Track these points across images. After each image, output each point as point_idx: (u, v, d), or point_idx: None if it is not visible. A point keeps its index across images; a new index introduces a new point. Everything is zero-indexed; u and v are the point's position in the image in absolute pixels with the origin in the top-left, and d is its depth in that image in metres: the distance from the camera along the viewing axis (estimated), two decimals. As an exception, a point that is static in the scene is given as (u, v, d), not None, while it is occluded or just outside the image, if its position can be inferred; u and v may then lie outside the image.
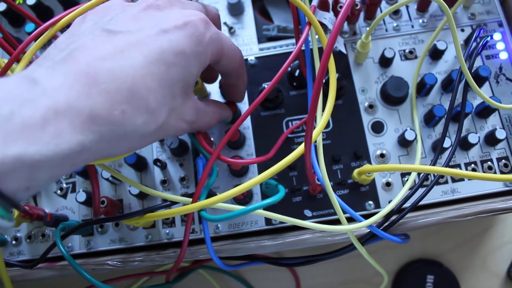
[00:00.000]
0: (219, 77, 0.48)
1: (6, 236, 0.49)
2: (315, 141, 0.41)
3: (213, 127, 0.40)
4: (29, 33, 0.53)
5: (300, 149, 0.36)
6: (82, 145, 0.25)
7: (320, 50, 0.47)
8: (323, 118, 0.37)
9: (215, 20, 0.39)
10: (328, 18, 0.45)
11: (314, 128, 0.36)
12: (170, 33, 0.30)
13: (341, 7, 0.47)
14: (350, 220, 0.42)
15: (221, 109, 0.42)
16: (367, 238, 0.42)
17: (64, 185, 0.50)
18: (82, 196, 0.46)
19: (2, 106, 0.23)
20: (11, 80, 0.26)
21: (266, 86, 0.49)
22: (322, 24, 0.43)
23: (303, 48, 0.42)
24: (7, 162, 0.22)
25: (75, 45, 0.29)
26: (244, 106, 0.50)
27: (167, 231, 0.47)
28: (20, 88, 0.25)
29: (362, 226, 0.39)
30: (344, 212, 0.41)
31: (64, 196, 0.50)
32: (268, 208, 0.45)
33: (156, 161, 0.48)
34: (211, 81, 0.47)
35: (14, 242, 0.49)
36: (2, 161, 0.22)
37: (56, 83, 0.26)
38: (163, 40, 0.30)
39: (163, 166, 0.49)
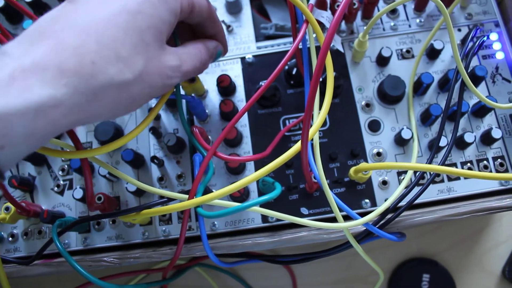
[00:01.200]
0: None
1: (2, 233, 0.49)
2: (312, 139, 0.41)
3: (206, 67, 0.39)
4: (27, 30, 0.53)
5: (296, 146, 0.36)
6: (54, 98, 0.26)
7: (318, 48, 0.47)
8: (320, 116, 0.37)
9: None
10: (325, 16, 0.45)
11: (311, 126, 0.36)
12: None
13: (338, 5, 0.47)
14: (347, 218, 0.42)
15: (204, 43, 0.39)
16: (363, 236, 0.42)
17: (61, 182, 0.50)
18: (79, 193, 0.46)
19: None
20: None
21: (263, 84, 0.49)
22: (320, 23, 0.43)
23: (300, 46, 0.43)
24: None
25: (41, 19, 0.30)
26: (241, 104, 0.50)
27: (164, 228, 0.47)
28: None
29: (358, 224, 0.39)
30: (341, 210, 0.41)
31: (61, 193, 0.50)
32: (264, 205, 0.45)
33: (153, 158, 0.48)
34: None
35: (10, 238, 0.49)
36: None
37: (23, 49, 0.27)
38: None
39: (160, 164, 0.49)
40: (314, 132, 0.37)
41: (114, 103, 0.30)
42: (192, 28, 0.40)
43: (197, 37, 0.40)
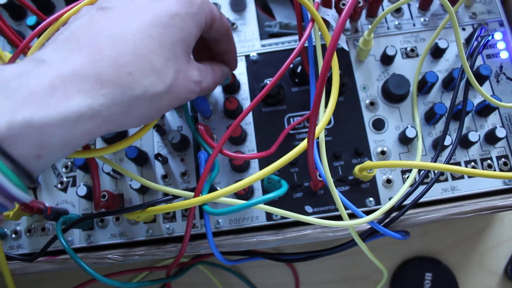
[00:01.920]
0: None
1: (5, 230, 0.49)
2: (318, 137, 0.41)
3: (217, 86, 0.41)
4: (31, 26, 0.53)
5: (302, 145, 0.36)
6: (92, 109, 0.26)
7: (323, 47, 0.47)
8: (326, 114, 0.37)
9: None
10: (331, 15, 0.45)
11: (317, 124, 0.36)
12: (162, 0, 0.32)
13: (344, 4, 0.47)
14: (351, 216, 0.42)
15: (220, 66, 0.42)
16: (368, 234, 0.42)
17: (65, 179, 0.50)
18: (82, 190, 0.46)
19: (11, 82, 0.24)
20: (20, 62, 0.27)
21: (268, 82, 0.49)
22: (325, 21, 0.43)
23: (306, 45, 0.43)
24: (16, 126, 0.23)
25: (74, 26, 0.30)
26: (245, 102, 0.50)
27: (168, 226, 0.47)
28: (27, 66, 0.26)
29: (363, 222, 0.39)
30: (346, 208, 0.41)
31: (65, 190, 0.50)
32: (269, 203, 0.45)
33: (157, 156, 0.48)
34: None
35: (13, 235, 0.49)
36: (11, 125, 0.22)
37: (61, 57, 0.27)
38: (156, 6, 0.31)
39: (164, 161, 0.49)
40: (320, 130, 0.37)
41: (144, 114, 0.31)
42: (206, 43, 0.41)
43: (210, 52, 0.43)
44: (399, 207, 0.43)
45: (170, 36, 0.31)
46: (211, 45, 0.42)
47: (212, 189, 0.43)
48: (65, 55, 0.27)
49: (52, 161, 0.26)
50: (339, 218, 0.41)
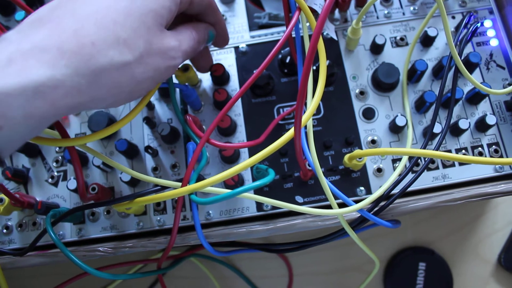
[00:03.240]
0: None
1: (-4, 225, 0.49)
2: (306, 127, 0.41)
3: (201, 47, 0.40)
4: (19, 22, 0.53)
5: (290, 133, 0.36)
6: (53, 79, 0.26)
7: (311, 36, 0.47)
8: (313, 100, 0.37)
9: None
10: (318, 4, 0.45)
11: (304, 112, 0.36)
12: None
13: (331, -7, 0.47)
14: (343, 206, 0.42)
15: (203, 25, 0.41)
16: (357, 223, 0.42)
17: (56, 174, 0.50)
18: (73, 184, 0.46)
19: None
20: None
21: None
22: (313, 11, 0.43)
23: (294, 35, 0.43)
24: None
25: (41, 9, 0.30)
26: (235, 93, 0.50)
27: (159, 218, 0.47)
28: None
29: (352, 210, 0.39)
30: (336, 198, 0.41)
31: (55, 184, 0.50)
32: (259, 194, 0.45)
33: (147, 148, 0.47)
34: (203, 69, 0.47)
35: (5, 230, 0.49)
36: None
37: (22, 34, 0.27)
38: None
39: (154, 153, 0.48)
40: (307, 118, 0.36)
41: (116, 86, 0.30)
42: (192, 19, 0.41)
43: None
44: (388, 195, 0.43)
45: (137, 7, 0.31)
46: (197, 20, 0.41)
47: (201, 179, 0.43)
48: (27, 33, 0.27)
49: (17, 134, 0.26)
50: (330, 208, 0.41)
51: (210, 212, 0.47)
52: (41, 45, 0.26)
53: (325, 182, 0.39)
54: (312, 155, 0.39)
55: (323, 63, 0.37)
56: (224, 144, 0.41)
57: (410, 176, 0.43)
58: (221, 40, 0.45)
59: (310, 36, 0.43)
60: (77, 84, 0.27)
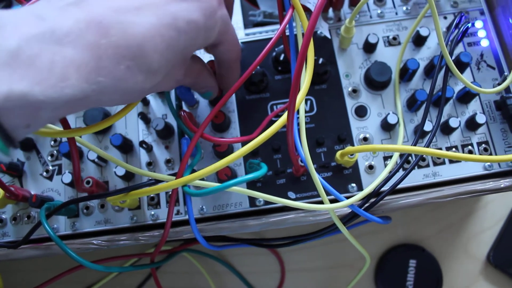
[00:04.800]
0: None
1: (-9, 218, 0.49)
2: (298, 123, 0.42)
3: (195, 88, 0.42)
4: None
5: (280, 121, 0.36)
6: (84, 93, 0.26)
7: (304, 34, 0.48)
8: (305, 83, 0.37)
9: (230, 2, 0.41)
10: (312, 2, 0.45)
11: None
12: (186, 2, 0.31)
13: (326, -8, 0.47)
14: (334, 202, 0.42)
15: (208, 80, 0.42)
16: (348, 218, 0.43)
17: (50, 168, 0.50)
18: (68, 178, 0.47)
19: (9, 38, 0.24)
20: (18, 13, 0.26)
21: (251, 69, 0.49)
22: (307, 9, 0.44)
23: (288, 33, 0.43)
24: (13, 98, 0.23)
25: None
26: (229, 89, 0.51)
27: (152, 213, 0.48)
28: (27, 22, 0.25)
29: (343, 205, 0.40)
30: (328, 194, 0.41)
31: (50, 178, 0.50)
32: (253, 190, 0.45)
33: (142, 143, 0.48)
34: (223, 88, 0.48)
35: (-1, 223, 0.49)
36: (8, 97, 0.22)
37: (65, 27, 0.25)
38: (179, 6, 0.30)
39: (148, 149, 0.49)
40: (300, 100, 0.37)
41: (121, 101, 0.32)
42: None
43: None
44: (378, 191, 0.43)
45: (179, 43, 0.31)
46: (215, 61, 0.42)
47: (195, 174, 0.44)
48: (71, 25, 0.26)
49: (37, 129, 0.27)
50: (322, 203, 0.42)
51: (204, 207, 0.47)
52: (84, 54, 0.25)
53: (317, 178, 0.40)
54: (304, 151, 0.40)
55: (311, 54, 0.38)
56: (218, 138, 0.41)
57: (400, 173, 0.44)
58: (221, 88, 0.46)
59: (303, 34, 0.44)
60: (99, 99, 0.28)
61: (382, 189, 0.44)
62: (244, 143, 0.48)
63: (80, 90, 0.25)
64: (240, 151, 0.35)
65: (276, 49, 0.50)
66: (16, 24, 0.25)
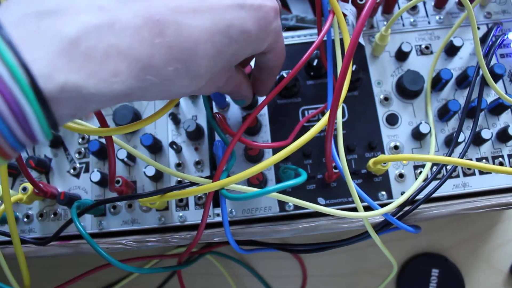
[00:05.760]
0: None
1: (17, 214, 0.49)
2: (335, 130, 0.42)
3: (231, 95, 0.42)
4: None
5: (315, 129, 0.36)
6: (131, 89, 0.26)
7: (341, 40, 0.48)
8: (342, 92, 0.37)
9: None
10: (349, 9, 0.45)
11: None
12: (244, 11, 0.30)
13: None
14: (367, 209, 0.42)
15: (245, 88, 0.41)
16: (381, 227, 0.43)
17: (78, 165, 0.50)
18: (96, 176, 0.46)
19: (70, 25, 0.23)
20: None
21: (284, 74, 0.49)
22: (344, 15, 0.44)
23: (325, 38, 0.43)
24: (68, 89, 0.22)
25: None
26: (261, 93, 0.50)
27: (181, 214, 0.48)
28: (88, 10, 0.24)
29: (378, 214, 0.40)
30: (361, 201, 0.41)
31: (77, 176, 0.50)
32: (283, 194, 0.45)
33: (172, 144, 0.48)
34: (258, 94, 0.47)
35: (25, 219, 0.49)
36: (64, 88, 0.22)
37: (124, 20, 0.25)
38: (235, 14, 0.30)
39: (178, 150, 0.49)
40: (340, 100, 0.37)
41: (160, 98, 0.31)
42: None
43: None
44: (412, 201, 0.43)
45: (229, 51, 0.30)
46: (256, 65, 0.41)
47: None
48: (129, 20, 0.25)
49: (80, 118, 0.27)
50: (351, 211, 0.41)
51: (233, 210, 0.47)
52: (137, 50, 0.25)
53: (352, 185, 0.40)
54: (341, 158, 0.40)
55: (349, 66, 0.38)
56: (255, 143, 0.41)
57: (433, 183, 0.44)
58: (257, 94, 0.46)
59: (341, 40, 0.44)
60: (142, 96, 0.28)
61: (415, 198, 0.43)
62: (279, 148, 0.48)
63: (128, 86, 0.25)
64: (277, 156, 0.35)
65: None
66: (77, 11, 0.24)
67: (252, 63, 0.43)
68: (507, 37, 0.51)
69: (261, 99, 0.50)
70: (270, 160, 0.35)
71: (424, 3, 0.53)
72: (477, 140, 0.47)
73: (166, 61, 0.27)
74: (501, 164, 0.48)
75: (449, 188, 0.47)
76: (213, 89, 0.35)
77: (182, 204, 0.48)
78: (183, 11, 0.27)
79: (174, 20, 0.27)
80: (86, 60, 0.23)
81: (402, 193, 0.45)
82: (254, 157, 0.47)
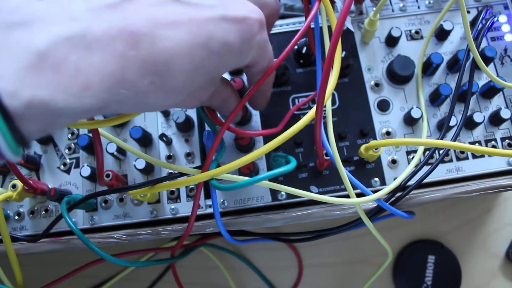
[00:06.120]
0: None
1: (8, 211, 0.49)
2: (324, 117, 0.41)
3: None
4: None
5: (307, 116, 0.35)
6: (104, 103, 0.25)
7: (329, 27, 0.47)
8: (328, 89, 0.37)
9: (272, 16, 0.38)
10: (337, -6, 0.45)
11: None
12: (226, 23, 0.29)
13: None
14: (358, 196, 0.42)
15: (235, 98, 0.40)
16: (374, 213, 0.43)
17: (68, 161, 0.50)
18: (86, 171, 0.46)
19: (39, 37, 0.22)
20: (50, 8, 0.24)
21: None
22: (331, 2, 0.43)
23: (313, 26, 0.42)
24: (34, 105, 0.21)
25: None
26: (250, 82, 0.50)
27: (172, 207, 0.47)
28: (59, 21, 0.23)
29: (370, 199, 0.39)
30: (353, 188, 0.41)
31: (68, 171, 0.49)
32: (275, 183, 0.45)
33: (161, 136, 0.47)
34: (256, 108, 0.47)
35: (16, 217, 0.48)
36: (30, 104, 0.21)
37: (97, 32, 0.24)
38: (216, 26, 0.28)
39: (168, 142, 0.48)
40: (326, 98, 0.36)
41: (138, 111, 0.31)
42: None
43: None
44: (404, 186, 0.43)
45: (209, 64, 0.29)
46: (247, 78, 0.40)
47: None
48: (103, 31, 0.24)
49: (51, 132, 0.26)
50: (344, 198, 0.41)
51: (225, 201, 0.47)
52: (110, 63, 0.24)
53: (344, 172, 0.39)
54: (332, 145, 0.39)
55: (338, 53, 0.37)
56: (244, 131, 0.41)
57: (425, 167, 0.43)
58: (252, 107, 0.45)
59: (328, 27, 0.43)
60: (117, 109, 0.27)
61: (408, 183, 0.43)
62: (269, 137, 0.47)
63: (101, 100, 0.24)
64: (269, 145, 0.35)
65: (298, 42, 0.50)
66: (47, 21, 0.23)
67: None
68: (497, 20, 0.51)
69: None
70: (260, 150, 0.35)
71: (414, -12, 0.53)
72: (469, 124, 0.47)
73: (141, 75, 0.26)
74: (494, 147, 0.48)
75: (442, 173, 0.47)
76: (195, 103, 0.34)
77: (174, 197, 0.48)
78: (160, 23, 0.26)
79: (150, 32, 0.26)
80: (55, 73, 0.22)
81: (395, 179, 0.44)
82: (245, 146, 0.46)
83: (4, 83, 0.21)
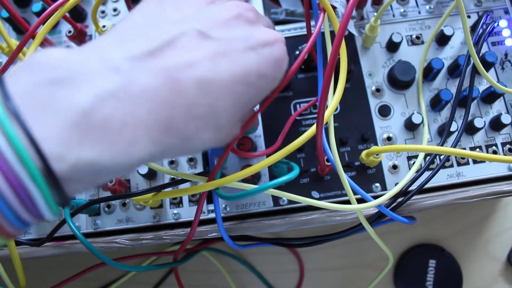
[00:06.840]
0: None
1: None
2: (326, 123, 0.41)
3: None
4: (36, 13, 0.53)
5: (311, 130, 0.36)
6: (150, 155, 0.24)
7: (331, 33, 0.47)
8: (334, 98, 0.37)
9: None
10: (339, 1, 0.45)
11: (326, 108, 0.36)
12: (257, 52, 0.28)
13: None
14: (359, 201, 0.42)
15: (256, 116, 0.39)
16: (374, 219, 0.43)
17: (71, 166, 0.50)
18: (89, 176, 0.46)
19: (83, 95, 0.21)
20: (90, 60, 0.23)
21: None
22: (333, 7, 0.43)
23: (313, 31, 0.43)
24: (80, 167, 0.21)
25: (166, 38, 0.26)
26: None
27: (175, 212, 0.48)
28: (101, 74, 0.22)
29: (371, 205, 0.40)
30: (354, 193, 0.41)
31: (71, 176, 0.50)
32: (276, 189, 0.45)
33: (164, 142, 0.48)
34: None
35: (20, 221, 0.49)
36: (75, 166, 0.20)
37: (141, 82, 0.23)
38: (250, 58, 0.28)
39: (171, 147, 0.49)
40: (329, 114, 0.37)
41: (185, 154, 0.31)
42: None
43: None
44: (405, 192, 0.43)
45: (248, 97, 0.28)
46: None
47: (222, 174, 0.43)
48: (147, 81, 0.23)
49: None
50: (345, 203, 0.41)
51: (227, 206, 0.47)
52: (156, 113, 0.23)
53: (345, 178, 0.39)
54: (333, 151, 0.40)
55: (344, 62, 0.37)
56: (247, 153, 0.41)
57: (426, 173, 0.44)
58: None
59: (331, 32, 0.43)
60: (163, 157, 0.26)
61: (409, 189, 0.43)
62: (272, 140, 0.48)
63: (148, 153, 0.23)
64: (272, 158, 0.35)
65: (299, 47, 0.50)
66: (90, 75, 0.22)
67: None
68: (498, 25, 0.51)
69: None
70: (263, 162, 0.35)
71: (414, -7, 0.53)
72: (470, 129, 0.47)
73: (187, 121, 0.25)
74: (494, 152, 0.48)
75: (443, 178, 0.47)
76: (229, 138, 0.32)
77: (176, 202, 0.48)
78: (199, 63, 0.25)
79: (192, 76, 0.25)
80: (101, 131, 0.21)
81: (396, 184, 0.44)
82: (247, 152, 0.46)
83: (49, 146, 0.20)
